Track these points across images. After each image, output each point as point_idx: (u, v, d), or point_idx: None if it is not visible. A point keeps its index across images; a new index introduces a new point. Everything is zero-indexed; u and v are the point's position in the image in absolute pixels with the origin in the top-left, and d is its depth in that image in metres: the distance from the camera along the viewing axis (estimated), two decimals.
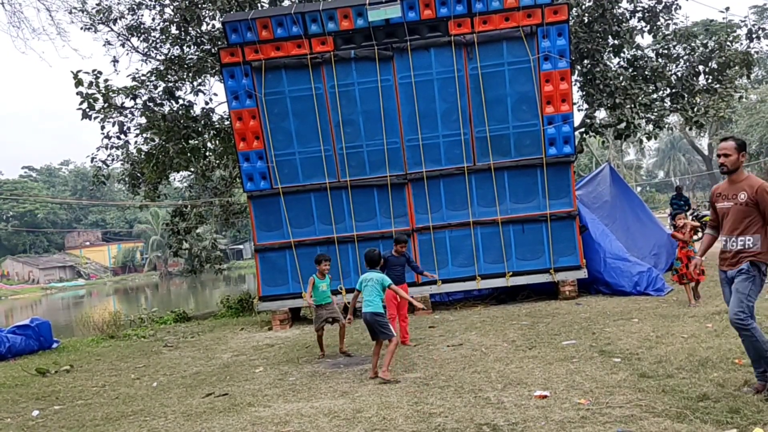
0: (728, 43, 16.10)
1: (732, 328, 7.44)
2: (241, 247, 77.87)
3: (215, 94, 23.89)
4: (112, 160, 17.47)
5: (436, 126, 12.04)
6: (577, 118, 16.34)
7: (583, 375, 6.24)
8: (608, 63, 16.01)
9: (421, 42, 11.85)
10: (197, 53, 16.95)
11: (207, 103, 17.62)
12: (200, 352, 10.60)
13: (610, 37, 15.85)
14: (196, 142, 17.18)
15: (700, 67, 16.21)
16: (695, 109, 15.81)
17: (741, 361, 6.00)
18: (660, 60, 16.26)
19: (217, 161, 18.70)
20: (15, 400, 7.87)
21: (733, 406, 4.79)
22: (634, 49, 16.41)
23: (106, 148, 17.05)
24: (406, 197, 12.21)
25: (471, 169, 12.07)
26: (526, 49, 11.73)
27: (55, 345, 12.54)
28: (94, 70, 15.74)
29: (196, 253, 19.91)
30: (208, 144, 17.85)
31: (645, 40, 19.11)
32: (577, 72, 15.95)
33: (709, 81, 16.29)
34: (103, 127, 16.41)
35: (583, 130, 16.98)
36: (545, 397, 5.63)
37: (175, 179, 22.96)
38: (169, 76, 16.74)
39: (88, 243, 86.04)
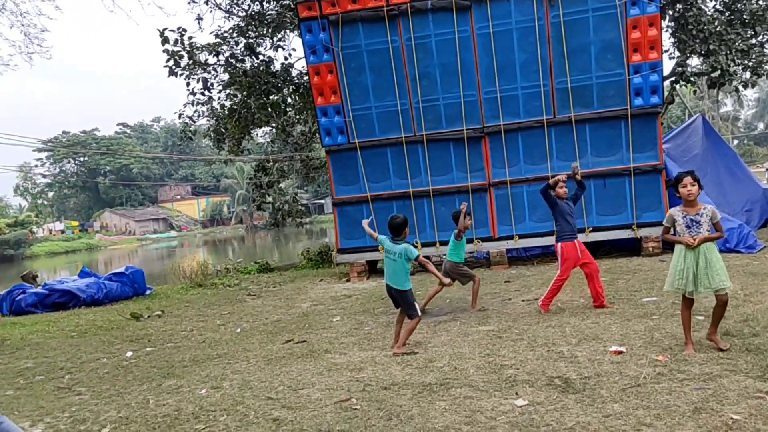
0: None
1: None
2: (322, 201, 79.34)
3: (294, 50, 23.89)
4: (198, 116, 18.07)
5: (514, 78, 11.73)
6: (668, 66, 15.44)
7: (663, 332, 6.09)
8: (702, 6, 14.94)
9: None
10: (276, 8, 17.10)
11: (286, 59, 17.88)
12: (281, 301, 11.02)
13: None
14: (277, 97, 17.49)
15: None
16: None
17: None
18: (760, 2, 15.04)
19: (297, 116, 18.99)
20: (111, 342, 8.49)
21: None
22: None
23: (192, 104, 17.67)
24: (482, 151, 12.06)
25: (551, 121, 11.74)
26: None
27: (148, 292, 13.37)
28: (179, 28, 16.22)
29: (279, 206, 20.45)
30: (288, 99, 18.13)
31: None
32: (667, 17, 15.01)
33: None
34: (188, 84, 16.99)
35: (673, 79, 16.05)
36: (621, 353, 5.54)
37: (257, 134, 23.48)
38: (249, 32, 17.00)
39: (179, 197, 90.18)
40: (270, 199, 20.26)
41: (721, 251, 10.83)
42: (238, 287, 13.65)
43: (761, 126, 75.61)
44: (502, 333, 6.74)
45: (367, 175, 12.40)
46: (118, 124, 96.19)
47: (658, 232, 11.52)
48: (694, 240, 5.22)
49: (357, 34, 12.01)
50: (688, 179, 5.31)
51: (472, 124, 11.96)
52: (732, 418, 3.85)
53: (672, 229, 5.52)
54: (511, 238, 12.04)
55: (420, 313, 6.52)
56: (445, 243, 11.85)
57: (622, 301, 7.79)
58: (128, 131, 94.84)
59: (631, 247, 11.97)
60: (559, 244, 7.61)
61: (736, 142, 60.43)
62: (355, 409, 4.75)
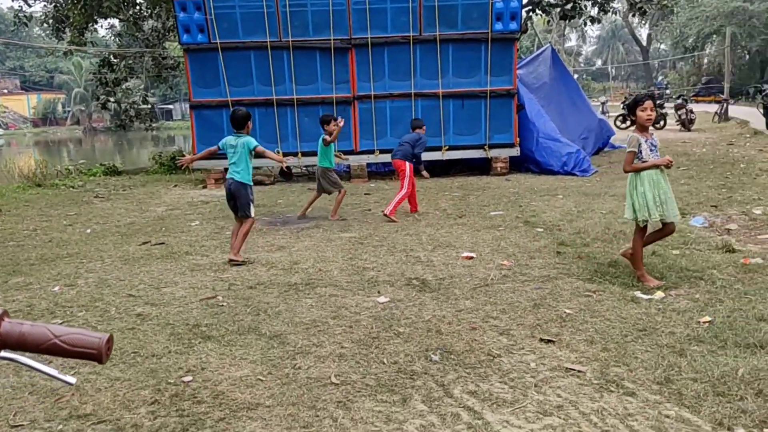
0: None
1: None
2: (171, 107, 74.94)
3: None
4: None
5: None
6: None
7: (508, 241, 6.66)
8: None
9: None
10: None
11: None
12: (133, 204, 10.55)
13: None
14: None
15: None
16: None
17: None
18: None
19: (150, 9, 17.58)
20: None
21: None
22: None
23: None
24: (348, 63, 12.01)
25: (417, 38, 11.90)
26: None
27: None
28: None
29: (125, 107, 19.16)
30: None
31: None
32: None
33: None
34: None
35: (530, 8, 16.81)
36: (471, 258, 6.02)
37: (102, 26, 21.50)
38: None
39: (5, 91, 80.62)
40: (115, 98, 18.88)
41: (559, 173, 11.94)
42: (82, 189, 12.80)
43: (599, 63, 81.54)
44: (363, 240, 7.02)
45: (228, 78, 11.93)
46: None
47: (508, 152, 12.36)
48: (671, 161, 4.93)
49: None
50: (648, 103, 4.91)
51: (340, 34, 11.82)
52: (566, 312, 4.39)
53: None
54: (372, 152, 12.29)
55: (253, 215, 6.30)
56: (307, 153, 11.90)
57: (472, 214, 8.36)
58: None
59: (482, 167, 12.71)
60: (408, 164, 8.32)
61: (576, 75, 64.77)
62: (222, 305, 4.80)
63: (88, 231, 8.19)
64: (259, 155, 6.27)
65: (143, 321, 4.51)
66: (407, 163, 8.34)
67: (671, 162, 4.96)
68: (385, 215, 8.09)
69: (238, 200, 6.23)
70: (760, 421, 2.84)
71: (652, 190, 4.91)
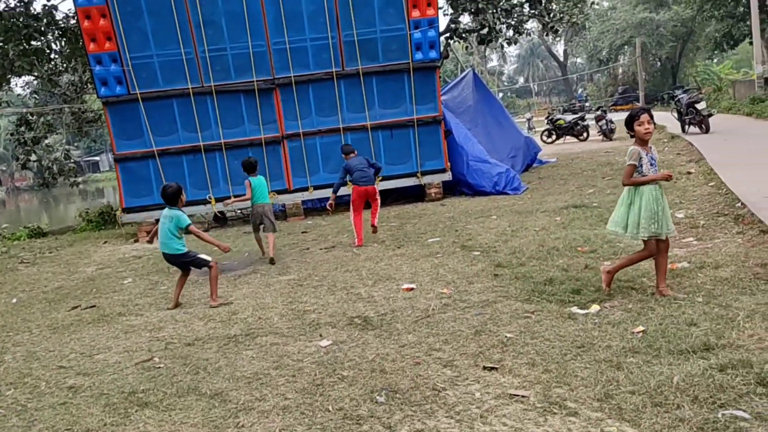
0: None
1: (577, 220, 8.26)
2: (97, 158, 72.95)
3: None
4: None
5: (303, 29, 11.74)
6: (443, 23, 16.53)
7: (446, 268, 6.71)
8: None
9: None
10: None
11: (48, 0, 15.93)
12: (61, 267, 10.13)
13: None
14: (40, 43, 15.60)
15: None
16: (551, 15, 16.52)
17: (583, 248, 6.71)
18: None
19: (65, 64, 17.16)
20: None
21: (575, 287, 5.39)
22: None
23: None
24: (274, 103, 11.99)
25: (340, 74, 12.01)
26: None
27: None
28: None
29: (47, 165, 18.53)
30: (54, 45, 16.28)
31: None
32: None
33: None
34: None
35: (448, 35, 17.25)
36: (412, 289, 6.02)
37: (17, 84, 20.85)
38: None
39: None
40: (36, 157, 18.26)
41: (491, 194, 12.17)
42: (6, 255, 12.23)
43: (521, 80, 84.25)
44: (302, 281, 6.94)
45: (151, 128, 11.70)
46: None
47: (441, 178, 12.53)
48: (670, 175, 4.81)
49: None
50: (645, 116, 4.80)
51: (263, 75, 11.81)
52: (506, 336, 4.43)
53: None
54: (306, 189, 12.24)
55: (210, 260, 6.43)
56: (239, 197, 11.71)
57: (410, 243, 8.40)
58: None
59: (417, 194, 12.83)
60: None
61: (501, 94, 66.77)
62: (159, 367, 4.63)
63: (14, 301, 7.80)
64: (193, 234, 6.39)
65: (76, 394, 4.29)
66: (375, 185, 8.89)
67: (671, 176, 4.85)
68: (374, 226, 8.84)
69: (184, 265, 6.48)
70: (698, 428, 2.91)
71: (651, 205, 4.77)
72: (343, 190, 9.09)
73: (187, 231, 6.32)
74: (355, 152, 9.00)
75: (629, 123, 4.87)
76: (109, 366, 4.78)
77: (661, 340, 3.94)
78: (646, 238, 4.87)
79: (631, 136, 4.95)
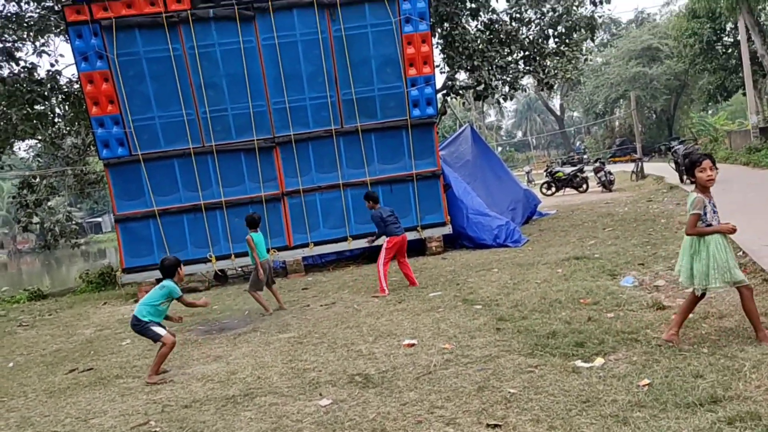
0: (574, 7, 17.22)
1: (579, 272, 8.20)
2: (99, 219, 73.25)
3: (62, 55, 22.24)
4: None
5: (302, 88, 11.97)
6: (440, 80, 16.92)
7: (448, 323, 6.63)
8: (466, 26, 16.60)
9: (284, 2, 11.66)
10: (38, 11, 15.58)
11: (53, 65, 16.35)
12: (60, 329, 10.03)
13: (467, 0, 16.42)
14: (43, 107, 15.91)
15: (550, 31, 17.26)
16: (546, 71, 16.85)
17: (586, 300, 6.64)
18: (514, 24, 17.09)
19: (68, 128, 17.44)
20: None
21: (578, 340, 5.31)
22: (489, 13, 17.15)
23: None
24: (274, 161, 12.12)
25: (339, 131, 12.17)
26: (388, 11, 11.90)
27: None
28: None
29: (49, 227, 18.60)
30: (57, 109, 16.59)
31: (500, 4, 20.01)
32: (437, 35, 16.41)
33: (558, 44, 17.40)
34: None
35: (445, 92, 17.57)
36: (413, 345, 5.93)
37: (20, 148, 21.16)
38: (6, 36, 15.28)
39: None
40: (38, 219, 18.35)
41: (492, 246, 12.15)
42: (5, 318, 12.13)
43: (519, 134, 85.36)
44: (302, 338, 6.85)
45: (152, 188, 11.79)
46: None
47: (441, 231, 12.53)
48: (735, 228, 4.64)
49: (134, 40, 11.40)
50: (707, 162, 4.59)
51: (263, 134, 11.97)
52: (510, 392, 4.34)
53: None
54: (306, 245, 12.24)
55: (163, 335, 6.09)
56: (240, 255, 11.74)
57: (411, 298, 8.33)
58: None
59: (417, 248, 12.81)
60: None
61: (500, 148, 67.48)
62: (155, 431, 4.52)
63: (11, 365, 7.69)
64: (187, 304, 6.48)
65: None
66: None
67: (735, 229, 4.67)
68: (414, 284, 9.08)
69: (139, 334, 6.27)
70: None
71: (721, 253, 4.59)
72: (338, 247, 9.10)
73: (180, 301, 6.27)
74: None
75: (690, 169, 4.68)
76: (105, 430, 4.67)
77: (668, 393, 3.85)
78: (720, 289, 4.76)
79: (692, 182, 4.77)
